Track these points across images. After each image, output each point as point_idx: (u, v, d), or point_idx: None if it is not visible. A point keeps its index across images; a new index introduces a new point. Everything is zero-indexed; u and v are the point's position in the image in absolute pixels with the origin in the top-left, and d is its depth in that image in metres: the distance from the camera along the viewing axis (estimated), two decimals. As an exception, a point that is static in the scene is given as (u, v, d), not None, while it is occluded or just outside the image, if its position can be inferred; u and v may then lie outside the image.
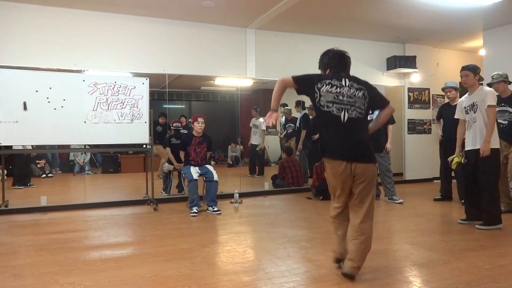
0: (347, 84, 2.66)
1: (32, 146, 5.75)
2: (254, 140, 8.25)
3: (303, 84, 2.73)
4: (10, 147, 5.06)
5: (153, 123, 6.27)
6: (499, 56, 6.50)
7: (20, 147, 5.84)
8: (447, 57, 8.08)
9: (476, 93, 4.05)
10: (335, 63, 2.75)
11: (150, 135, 5.48)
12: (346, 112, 2.61)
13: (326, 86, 2.63)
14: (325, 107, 2.62)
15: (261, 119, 8.02)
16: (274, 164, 9.55)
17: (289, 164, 6.72)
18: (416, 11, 5.69)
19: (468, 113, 4.13)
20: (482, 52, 6.99)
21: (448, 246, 3.47)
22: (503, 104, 4.70)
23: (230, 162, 10.05)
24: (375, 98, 2.76)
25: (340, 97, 2.62)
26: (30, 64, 5.15)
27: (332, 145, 2.68)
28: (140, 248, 3.50)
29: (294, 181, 6.67)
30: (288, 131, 7.65)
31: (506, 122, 4.69)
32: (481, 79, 4.34)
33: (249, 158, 8.75)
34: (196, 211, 4.84)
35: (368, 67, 7.37)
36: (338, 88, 2.64)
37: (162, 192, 6.23)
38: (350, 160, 2.59)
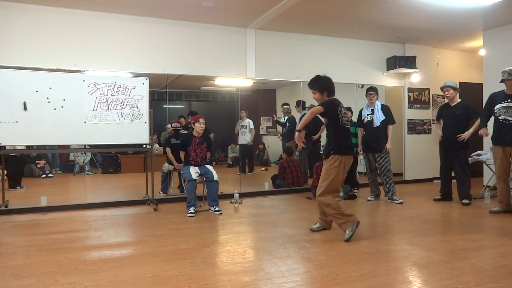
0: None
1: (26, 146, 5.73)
2: (243, 140, 8.41)
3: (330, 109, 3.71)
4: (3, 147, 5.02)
5: (168, 138, 6.26)
6: (499, 56, 6.50)
7: (20, 147, 5.83)
8: (447, 57, 8.08)
9: None
10: (333, 89, 3.81)
11: (150, 135, 5.48)
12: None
13: (343, 109, 3.74)
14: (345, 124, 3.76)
15: (249, 120, 8.39)
16: (274, 164, 9.56)
17: (289, 164, 6.72)
18: (416, 11, 5.70)
19: None
20: (482, 52, 7.00)
21: (448, 246, 3.47)
22: (509, 100, 4.70)
23: (230, 163, 10.05)
24: None
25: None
26: (30, 64, 5.15)
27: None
28: (140, 248, 3.50)
29: (294, 181, 6.67)
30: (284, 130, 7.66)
31: None
32: None
33: (240, 158, 8.85)
34: (193, 211, 4.84)
35: (368, 67, 7.38)
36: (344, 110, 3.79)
37: (160, 192, 6.24)
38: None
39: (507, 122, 4.68)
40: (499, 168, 4.85)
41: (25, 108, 4.85)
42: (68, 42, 5.38)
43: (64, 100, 5.02)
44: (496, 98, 4.85)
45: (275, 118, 8.82)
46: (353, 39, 7.21)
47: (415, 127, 7.81)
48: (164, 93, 6.50)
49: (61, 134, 5.01)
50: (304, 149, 7.03)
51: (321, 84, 3.78)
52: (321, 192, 3.73)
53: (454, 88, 5.40)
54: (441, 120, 5.68)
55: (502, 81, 4.72)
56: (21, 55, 5.16)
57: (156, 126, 5.88)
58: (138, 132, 5.35)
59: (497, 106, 4.79)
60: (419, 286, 2.62)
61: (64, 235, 3.95)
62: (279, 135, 8.26)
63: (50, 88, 4.97)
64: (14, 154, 6.45)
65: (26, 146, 5.70)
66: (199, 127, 5.20)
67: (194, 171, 5.05)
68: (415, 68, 7.44)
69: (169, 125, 6.68)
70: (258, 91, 10.34)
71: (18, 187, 6.75)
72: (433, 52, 7.89)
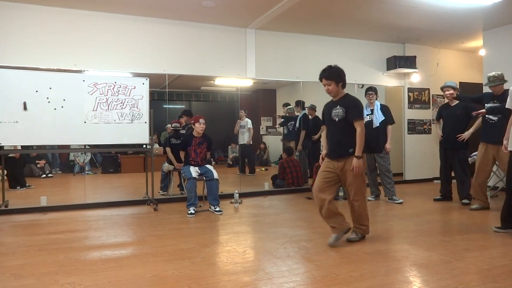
0: None
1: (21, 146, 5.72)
2: (243, 140, 8.40)
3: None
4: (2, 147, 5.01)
5: (168, 138, 6.23)
6: (499, 56, 6.50)
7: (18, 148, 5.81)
8: (447, 57, 8.08)
9: None
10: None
11: (150, 135, 5.48)
12: None
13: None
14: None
15: (247, 119, 8.35)
16: (274, 164, 9.56)
17: (289, 164, 6.72)
18: (416, 11, 5.69)
19: None
20: (482, 52, 6.99)
21: (448, 246, 3.47)
22: (495, 101, 4.82)
23: (230, 162, 10.05)
24: None
25: None
26: (30, 64, 5.15)
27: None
28: (140, 248, 3.50)
29: (294, 181, 6.67)
30: (289, 129, 7.62)
31: (496, 118, 4.79)
32: None
33: (240, 158, 8.85)
34: (193, 211, 4.84)
35: (368, 67, 7.38)
36: None
37: (160, 192, 6.24)
38: None
39: (490, 121, 4.84)
40: (479, 164, 5.01)
41: (25, 108, 4.85)
42: (68, 42, 5.38)
43: (64, 100, 5.02)
44: (485, 98, 5.01)
45: (280, 115, 8.76)
46: (353, 39, 7.21)
47: (415, 127, 7.81)
48: (164, 93, 6.50)
49: (61, 134, 5.01)
50: (304, 149, 7.04)
51: (339, 74, 3.50)
52: (363, 197, 3.55)
53: (454, 88, 5.41)
54: (441, 120, 5.70)
55: (485, 84, 4.88)
56: (21, 55, 5.16)
57: (156, 126, 5.87)
58: (138, 132, 5.35)
59: (486, 106, 4.94)
60: (419, 286, 2.62)
61: (64, 235, 3.95)
62: (281, 131, 8.21)
63: (50, 88, 4.97)
64: (13, 156, 6.44)
65: (23, 146, 5.68)
66: (199, 127, 5.20)
67: (194, 171, 5.05)
68: (415, 68, 7.43)
69: (169, 125, 6.68)
70: (258, 91, 10.34)
71: (18, 187, 6.74)
72: (433, 52, 7.89)
